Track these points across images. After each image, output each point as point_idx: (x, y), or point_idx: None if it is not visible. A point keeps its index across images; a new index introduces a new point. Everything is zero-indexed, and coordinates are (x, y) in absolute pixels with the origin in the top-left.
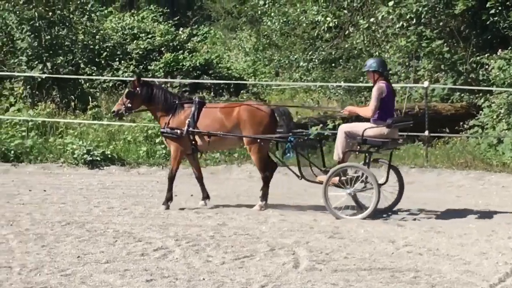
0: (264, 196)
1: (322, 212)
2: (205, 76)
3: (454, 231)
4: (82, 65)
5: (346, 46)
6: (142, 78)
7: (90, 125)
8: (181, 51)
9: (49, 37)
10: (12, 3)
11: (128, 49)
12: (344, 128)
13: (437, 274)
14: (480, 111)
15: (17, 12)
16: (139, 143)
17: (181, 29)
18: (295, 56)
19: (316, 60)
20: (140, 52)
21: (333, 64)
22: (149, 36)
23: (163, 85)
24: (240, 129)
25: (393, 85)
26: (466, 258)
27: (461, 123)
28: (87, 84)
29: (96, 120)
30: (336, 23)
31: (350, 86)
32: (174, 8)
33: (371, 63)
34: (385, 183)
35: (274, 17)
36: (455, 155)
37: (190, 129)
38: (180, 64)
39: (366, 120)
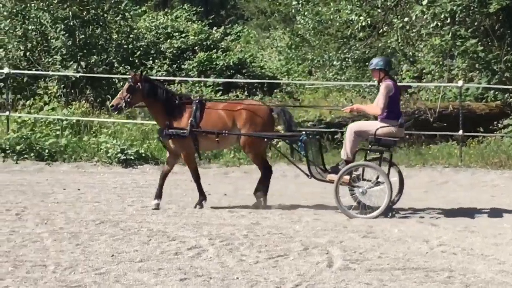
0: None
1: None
2: (238, 75)
3: (489, 231)
4: (116, 64)
5: (380, 45)
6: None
7: (124, 124)
8: (215, 50)
9: (83, 36)
10: (46, 2)
11: (161, 48)
12: (353, 127)
13: (472, 274)
14: None
15: (51, 11)
16: None
17: (215, 28)
18: (330, 55)
19: (350, 59)
20: (174, 51)
21: (366, 63)
22: (183, 35)
23: (165, 84)
24: (239, 128)
25: (427, 84)
26: (500, 257)
27: (496, 122)
28: (121, 83)
29: (130, 119)
30: (369, 22)
31: None
32: (208, 7)
33: (377, 61)
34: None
35: (307, 16)
36: (489, 154)
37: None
38: (214, 63)
39: (372, 118)
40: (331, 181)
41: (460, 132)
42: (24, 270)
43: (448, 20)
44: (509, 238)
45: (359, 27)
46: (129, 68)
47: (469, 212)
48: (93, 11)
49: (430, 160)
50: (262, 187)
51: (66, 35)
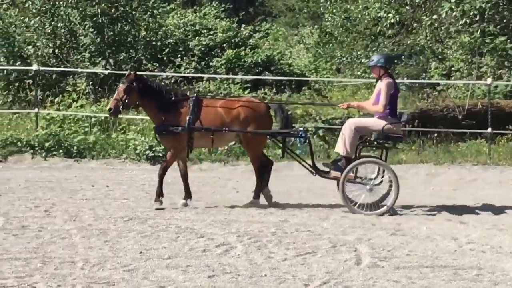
0: (257, 193)
1: None
2: (266, 73)
3: None
4: (144, 61)
5: (409, 42)
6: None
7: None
8: (243, 48)
9: (111, 33)
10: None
11: (190, 46)
12: (353, 123)
13: (500, 272)
14: None
15: (80, 9)
16: None
17: (243, 25)
18: (358, 52)
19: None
20: (202, 49)
21: (395, 61)
22: (211, 32)
23: (162, 81)
24: (239, 125)
25: (456, 82)
26: None
27: None
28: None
29: None
30: (398, 19)
31: (412, 83)
32: (236, 4)
33: (378, 58)
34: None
35: (335, 14)
36: None
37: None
38: (242, 60)
39: (370, 115)
40: (335, 178)
41: (489, 129)
42: (52, 266)
43: (477, 17)
44: None
45: (387, 24)
46: (157, 65)
47: (498, 210)
48: (122, 9)
49: (459, 158)
50: (264, 181)
51: (95, 32)
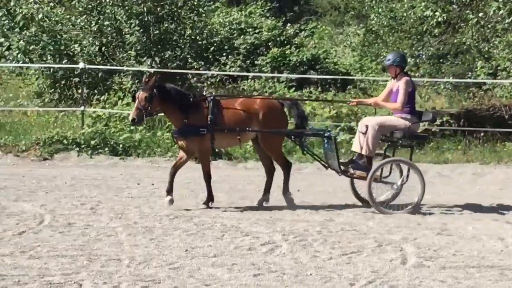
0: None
1: (429, 208)
2: (311, 71)
3: None
4: (189, 60)
5: (455, 41)
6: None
7: None
8: (288, 46)
9: (157, 31)
10: None
11: (235, 44)
12: (377, 123)
13: None
14: None
15: (126, 7)
16: None
17: (289, 24)
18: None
19: (424, 56)
20: (247, 47)
21: (441, 60)
22: (256, 31)
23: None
24: (257, 124)
25: (502, 81)
26: None
27: None
28: (195, 78)
29: None
30: (445, 18)
31: (458, 82)
32: (281, 3)
33: (395, 57)
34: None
35: (381, 13)
36: None
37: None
38: (287, 59)
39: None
40: (361, 178)
41: None
42: (98, 264)
43: None
44: None
45: (434, 23)
46: (202, 63)
47: None
48: (168, 7)
49: (505, 157)
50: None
51: (141, 30)
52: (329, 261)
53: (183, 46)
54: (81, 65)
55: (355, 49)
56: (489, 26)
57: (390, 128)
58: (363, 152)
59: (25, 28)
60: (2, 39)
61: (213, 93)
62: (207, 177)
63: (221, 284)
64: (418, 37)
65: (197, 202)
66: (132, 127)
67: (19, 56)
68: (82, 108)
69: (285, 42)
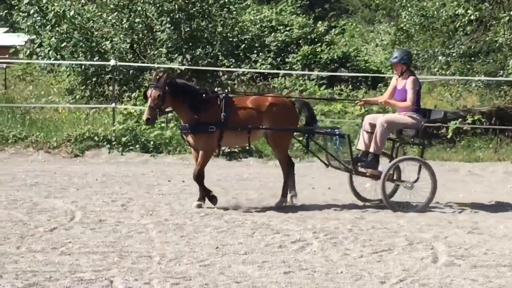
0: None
1: (460, 207)
2: (342, 69)
3: None
4: (220, 57)
5: (486, 39)
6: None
7: None
8: (319, 44)
9: (188, 29)
10: None
11: (266, 42)
12: (386, 121)
13: None
14: None
15: (157, 5)
16: None
17: (319, 22)
18: (436, 50)
19: (455, 54)
20: (278, 45)
21: (472, 58)
22: (287, 28)
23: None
24: (269, 122)
25: None
26: None
27: None
28: (225, 76)
29: None
30: (477, 16)
31: (489, 80)
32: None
33: (402, 55)
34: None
35: (412, 12)
36: None
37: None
38: (318, 57)
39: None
40: (372, 176)
41: None
42: (129, 260)
43: None
44: None
45: (465, 21)
46: (233, 61)
47: None
48: (199, 5)
49: None
50: (290, 184)
51: (172, 28)
52: (360, 259)
53: (214, 44)
54: (112, 62)
55: (386, 47)
56: None
57: (398, 126)
58: (371, 150)
59: (56, 25)
60: (34, 36)
61: (227, 91)
62: (199, 176)
63: (252, 281)
64: (449, 35)
65: (227, 200)
66: (162, 124)
67: (50, 53)
68: (113, 105)
69: (316, 39)
